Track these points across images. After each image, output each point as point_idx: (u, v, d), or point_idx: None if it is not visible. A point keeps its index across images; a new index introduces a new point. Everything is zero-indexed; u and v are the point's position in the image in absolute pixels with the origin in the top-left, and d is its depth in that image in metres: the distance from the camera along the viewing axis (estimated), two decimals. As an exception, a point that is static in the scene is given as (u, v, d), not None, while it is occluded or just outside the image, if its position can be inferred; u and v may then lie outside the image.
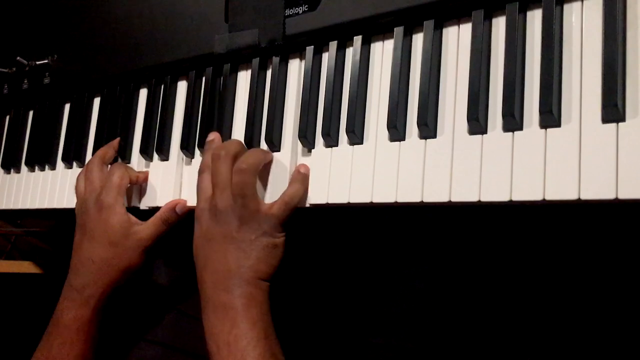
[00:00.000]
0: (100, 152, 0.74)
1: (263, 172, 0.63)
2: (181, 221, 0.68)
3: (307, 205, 0.59)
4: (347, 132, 0.57)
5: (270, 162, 0.62)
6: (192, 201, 0.67)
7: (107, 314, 0.67)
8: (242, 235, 0.57)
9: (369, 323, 0.72)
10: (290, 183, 0.60)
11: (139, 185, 0.73)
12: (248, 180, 0.58)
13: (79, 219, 0.70)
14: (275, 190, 0.61)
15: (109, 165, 0.74)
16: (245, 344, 0.54)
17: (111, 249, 0.66)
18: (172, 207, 0.67)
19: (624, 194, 0.42)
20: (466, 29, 0.53)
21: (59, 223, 1.22)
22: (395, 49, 0.56)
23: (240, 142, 0.63)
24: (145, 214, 0.70)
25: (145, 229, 0.67)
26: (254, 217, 0.57)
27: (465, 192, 0.49)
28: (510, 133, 0.48)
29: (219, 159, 0.59)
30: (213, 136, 0.65)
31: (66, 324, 0.65)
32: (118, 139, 0.76)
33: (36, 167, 0.87)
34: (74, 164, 0.82)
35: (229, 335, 0.55)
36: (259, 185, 0.63)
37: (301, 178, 0.59)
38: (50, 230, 1.25)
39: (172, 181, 0.70)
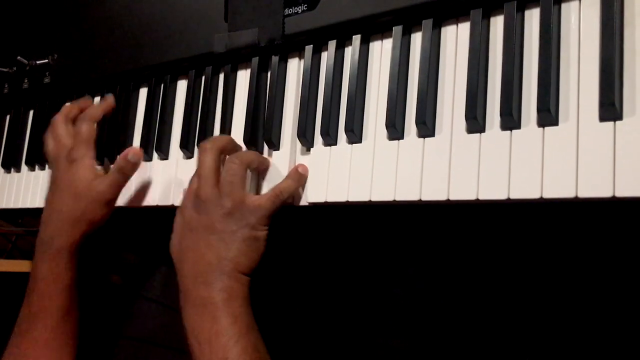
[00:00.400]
0: (64, 109, 0.74)
1: (262, 172, 0.63)
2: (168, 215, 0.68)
3: (306, 203, 0.60)
4: (346, 131, 0.58)
5: (267, 168, 0.63)
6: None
7: (80, 266, 0.68)
8: (224, 225, 0.57)
9: (370, 323, 0.73)
10: (285, 178, 0.60)
11: (139, 184, 0.73)
12: (237, 170, 0.58)
13: (51, 176, 0.71)
14: (270, 187, 0.61)
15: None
16: (227, 340, 0.53)
17: (75, 200, 0.66)
18: (125, 156, 0.68)
19: (621, 192, 0.42)
20: (464, 28, 0.54)
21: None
22: (394, 48, 0.57)
23: (231, 138, 0.63)
24: (147, 213, 0.70)
25: (103, 180, 0.67)
26: (238, 208, 0.57)
27: (463, 190, 0.50)
28: (508, 131, 0.49)
29: (205, 151, 0.59)
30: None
31: (42, 278, 0.66)
32: (87, 97, 0.78)
33: (36, 167, 0.87)
34: (74, 163, 0.82)
35: (209, 331, 0.54)
36: (255, 182, 0.63)
37: (297, 176, 0.59)
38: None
39: (172, 179, 0.70)
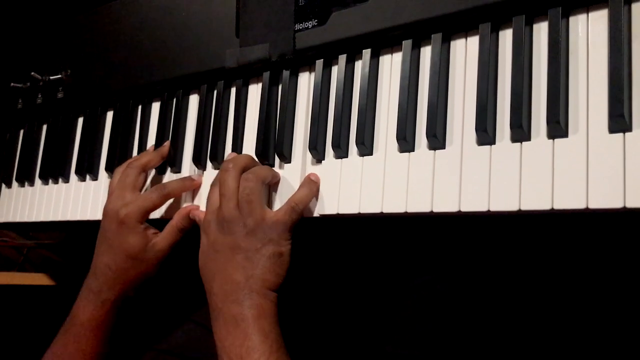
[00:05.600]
0: (144, 157, 0.72)
1: (273, 185, 0.64)
2: (193, 231, 0.69)
3: (317, 215, 0.60)
4: (357, 143, 0.58)
5: (278, 182, 0.63)
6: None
7: (120, 315, 0.69)
8: (248, 244, 0.58)
9: (380, 331, 0.73)
10: (299, 189, 0.61)
11: None
12: (254, 188, 0.59)
13: (103, 218, 0.70)
14: (283, 200, 0.62)
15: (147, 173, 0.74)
16: (258, 357, 0.54)
17: (129, 261, 0.67)
18: (186, 214, 0.68)
19: (631, 203, 0.43)
20: (473, 41, 0.54)
21: (70, 235, 1.23)
22: (403, 61, 0.57)
23: (251, 156, 0.64)
24: (156, 224, 0.71)
25: (163, 240, 0.67)
26: (259, 226, 0.58)
27: (474, 202, 0.50)
28: (518, 143, 0.49)
29: (227, 171, 0.60)
30: (232, 155, 0.66)
31: (83, 323, 0.67)
32: (168, 143, 0.75)
33: (50, 180, 0.88)
34: (87, 177, 0.83)
35: (241, 348, 0.55)
36: (268, 196, 0.63)
37: (310, 185, 0.60)
38: (61, 242, 1.27)
39: (185, 193, 0.71)
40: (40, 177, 0.89)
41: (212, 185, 0.64)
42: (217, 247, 0.60)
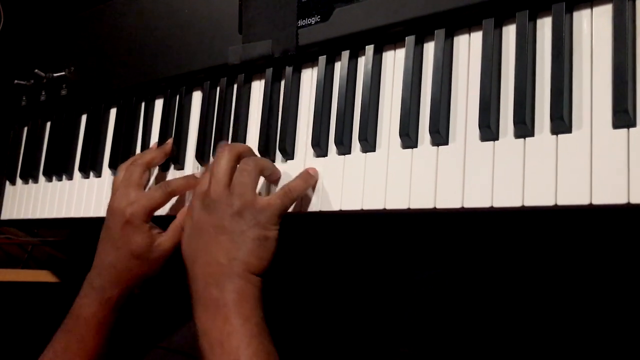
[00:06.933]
0: (148, 155, 0.72)
1: (273, 183, 0.64)
2: None
3: (320, 211, 0.60)
4: (360, 140, 0.58)
5: (278, 179, 0.63)
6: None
7: (123, 314, 0.68)
8: (234, 225, 0.56)
9: (382, 329, 0.73)
10: (295, 178, 0.60)
11: None
12: (251, 172, 0.58)
13: (108, 216, 0.69)
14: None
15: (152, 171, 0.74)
16: (239, 341, 0.53)
17: (134, 260, 0.66)
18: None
19: (636, 199, 0.42)
20: (477, 37, 0.54)
21: (74, 232, 1.23)
22: (406, 57, 0.57)
23: (249, 147, 0.64)
24: (161, 222, 0.71)
25: (168, 240, 0.67)
26: (248, 208, 0.57)
27: (477, 198, 0.50)
28: (522, 139, 0.49)
29: (222, 152, 0.60)
30: (224, 144, 0.66)
31: (85, 321, 0.66)
32: (171, 140, 0.75)
33: (54, 177, 0.89)
34: (91, 173, 0.84)
35: (221, 332, 0.54)
36: (268, 190, 0.63)
37: (306, 176, 0.60)
38: (65, 240, 1.27)
39: (188, 190, 0.71)
40: (44, 174, 0.90)
41: (204, 172, 0.63)
42: (201, 227, 0.58)
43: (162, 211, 0.72)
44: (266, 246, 0.57)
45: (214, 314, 0.55)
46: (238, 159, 0.60)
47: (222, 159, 0.59)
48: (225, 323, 0.54)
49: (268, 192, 0.64)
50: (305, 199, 0.61)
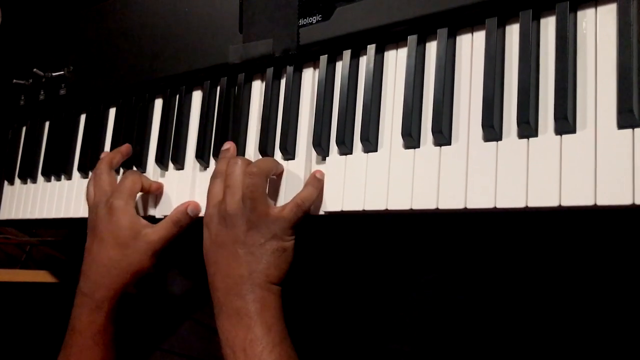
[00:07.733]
0: (107, 157, 0.74)
1: (277, 180, 0.63)
2: (195, 228, 0.68)
3: (322, 212, 0.60)
4: (362, 140, 0.58)
5: (281, 173, 0.63)
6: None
7: (119, 317, 0.67)
8: (251, 239, 0.58)
9: (385, 329, 0.72)
10: (304, 186, 0.60)
11: (154, 194, 0.73)
12: (258, 183, 0.58)
13: (90, 223, 0.70)
14: (288, 197, 0.61)
15: (120, 171, 0.76)
16: (261, 349, 0.54)
17: (120, 250, 0.65)
18: (184, 209, 0.67)
19: (641, 199, 0.42)
20: (480, 36, 0.54)
21: (72, 232, 1.23)
22: (409, 57, 0.57)
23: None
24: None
25: (156, 232, 0.66)
26: (262, 221, 0.57)
27: (480, 199, 0.49)
28: (525, 139, 0.49)
29: (236, 163, 0.60)
30: (228, 145, 0.66)
31: (81, 331, 0.65)
32: (127, 144, 0.77)
33: (52, 177, 0.88)
34: (90, 173, 0.83)
35: (244, 340, 0.55)
36: (272, 192, 0.63)
37: (315, 182, 0.60)
38: (64, 240, 1.27)
39: (188, 190, 0.71)
40: (42, 174, 0.89)
41: (214, 178, 0.63)
42: (219, 241, 0.59)
43: (160, 214, 0.72)
44: (284, 257, 0.58)
45: (237, 323, 0.56)
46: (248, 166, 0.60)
47: (237, 169, 0.59)
48: (249, 332, 0.55)
49: (275, 193, 0.64)
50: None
